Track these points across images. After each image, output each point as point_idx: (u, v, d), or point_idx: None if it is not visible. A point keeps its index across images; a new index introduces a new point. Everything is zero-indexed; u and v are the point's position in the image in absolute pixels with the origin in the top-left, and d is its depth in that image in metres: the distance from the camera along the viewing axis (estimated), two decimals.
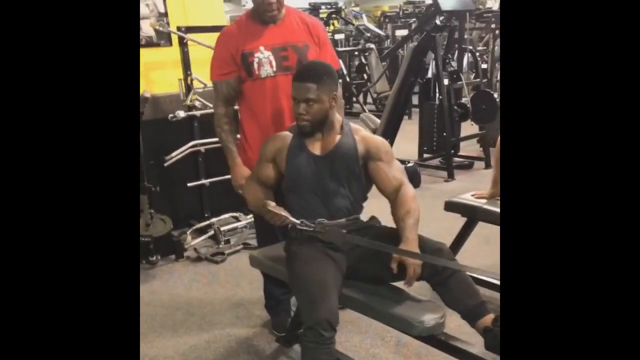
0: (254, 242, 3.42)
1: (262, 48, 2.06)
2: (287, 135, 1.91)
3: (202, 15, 3.83)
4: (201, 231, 3.52)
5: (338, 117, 1.91)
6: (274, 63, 2.06)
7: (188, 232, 3.40)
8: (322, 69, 1.82)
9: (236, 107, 2.27)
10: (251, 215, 3.72)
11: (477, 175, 4.93)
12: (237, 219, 3.70)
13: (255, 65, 2.06)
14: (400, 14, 9.70)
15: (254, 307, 2.62)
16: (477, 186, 4.53)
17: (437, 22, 4.63)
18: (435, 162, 5.10)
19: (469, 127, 5.40)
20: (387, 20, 10.05)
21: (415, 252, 1.67)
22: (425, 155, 5.22)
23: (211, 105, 3.58)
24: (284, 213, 1.77)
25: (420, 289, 2.23)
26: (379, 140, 1.91)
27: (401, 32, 8.66)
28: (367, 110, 7.60)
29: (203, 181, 3.54)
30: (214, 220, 3.57)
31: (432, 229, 1.92)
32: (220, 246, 3.38)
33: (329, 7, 8.59)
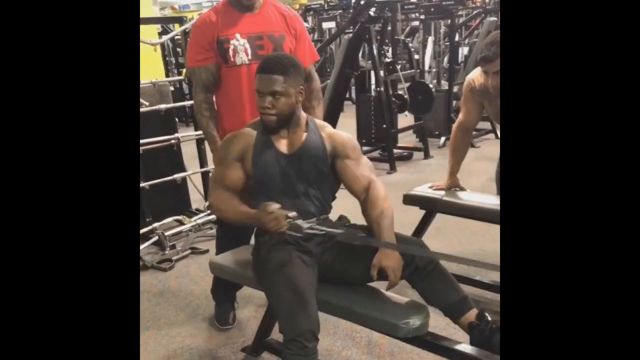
0: (201, 246, 3.28)
1: (238, 35, 2.05)
2: (250, 132, 1.79)
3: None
4: (143, 237, 3.31)
5: (302, 113, 1.82)
6: (249, 51, 2.05)
7: None
8: (288, 61, 1.71)
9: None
10: (195, 218, 3.58)
11: (418, 165, 4.99)
12: (181, 223, 3.53)
13: (231, 52, 2.05)
14: (325, 6, 9.67)
15: (213, 315, 2.48)
16: (420, 177, 4.62)
17: (371, 13, 4.63)
18: (375, 154, 5.11)
19: (404, 118, 5.46)
20: (311, 12, 9.99)
21: (395, 244, 1.64)
22: (365, 148, 5.22)
23: (147, 103, 3.39)
24: (291, 214, 1.62)
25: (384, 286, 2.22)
26: (345, 137, 1.83)
27: (328, 25, 8.65)
28: None
29: (143, 184, 3.33)
30: (156, 225, 3.37)
31: None
32: (167, 252, 3.20)
33: None
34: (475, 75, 2.35)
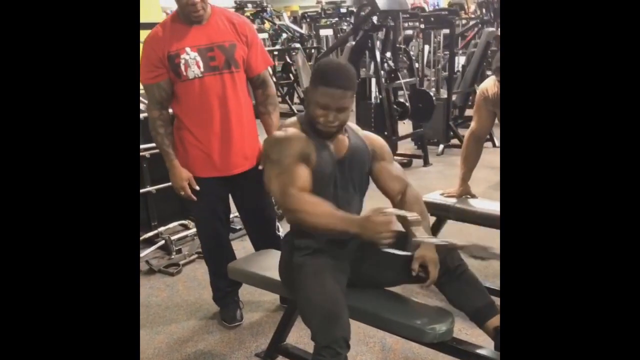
0: None
1: (188, 49, 2.03)
2: (300, 133, 1.69)
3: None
4: (149, 242, 3.30)
5: None
6: (201, 64, 2.04)
7: None
8: (352, 72, 1.68)
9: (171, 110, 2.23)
10: None
11: (417, 173, 5.02)
12: (186, 227, 3.52)
13: (182, 67, 2.04)
14: (322, 13, 9.73)
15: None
16: (420, 184, 4.65)
17: (374, 21, 4.68)
18: None
19: (402, 126, 5.50)
20: (307, 19, 10.04)
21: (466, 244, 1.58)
22: None
23: None
24: (412, 216, 1.55)
25: (410, 292, 2.23)
26: (381, 139, 1.86)
27: (325, 32, 8.70)
28: (295, 110, 7.58)
29: (149, 188, 3.33)
30: (162, 229, 3.37)
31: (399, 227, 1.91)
32: (173, 257, 3.19)
33: (254, 5, 8.44)
34: (489, 85, 2.39)
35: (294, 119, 1.78)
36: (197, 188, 2.20)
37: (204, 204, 2.26)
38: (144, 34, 3.20)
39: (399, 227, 1.60)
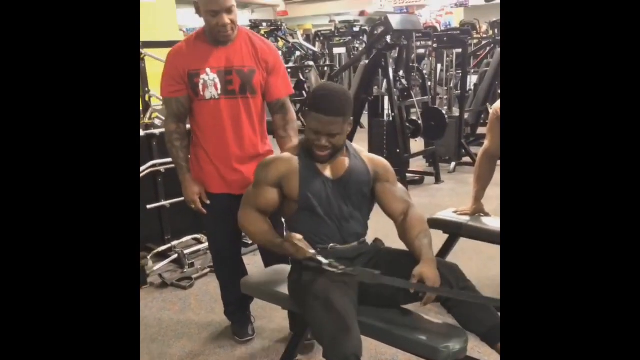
0: None
1: (208, 70, 2.05)
2: (292, 158, 1.82)
3: (157, 29, 3.69)
4: (162, 255, 3.33)
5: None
6: (219, 86, 2.06)
7: (149, 257, 3.21)
8: (345, 98, 1.73)
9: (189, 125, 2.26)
10: None
11: (430, 190, 5.03)
12: (198, 241, 3.55)
13: (200, 87, 2.07)
14: (336, 32, 9.83)
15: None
16: (432, 201, 4.66)
17: (388, 40, 4.73)
18: None
19: (413, 143, 5.52)
20: (321, 38, 10.15)
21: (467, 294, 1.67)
22: None
23: None
24: (311, 251, 1.70)
25: (423, 309, 2.23)
26: (385, 161, 1.89)
27: (338, 50, 8.78)
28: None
29: (163, 202, 3.36)
30: (175, 243, 3.39)
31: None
32: (186, 270, 3.21)
33: (269, 24, 8.55)
34: None
35: (296, 141, 1.88)
36: (208, 202, 2.23)
37: (215, 219, 2.30)
38: (161, 52, 3.29)
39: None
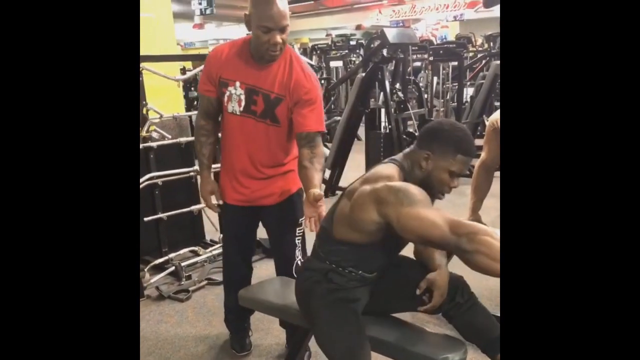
0: (217, 277, 3.28)
1: (238, 84, 2.01)
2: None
3: (155, 44, 3.71)
4: (159, 268, 3.32)
5: None
6: (242, 103, 2.02)
7: (146, 270, 3.20)
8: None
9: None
10: (211, 249, 3.59)
11: None
12: (196, 254, 3.54)
13: (226, 98, 2.05)
14: (332, 46, 9.90)
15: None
16: None
17: (384, 53, 4.76)
18: None
19: None
20: (317, 51, 10.21)
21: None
22: None
23: (169, 136, 3.46)
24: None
25: (421, 321, 2.23)
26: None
27: (335, 64, 8.84)
28: None
29: (160, 215, 3.36)
30: (172, 255, 3.39)
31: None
32: (183, 283, 3.20)
33: None
34: (498, 117, 2.43)
35: (320, 175, 1.86)
36: (221, 202, 2.25)
37: (227, 227, 2.33)
38: (156, 66, 3.31)
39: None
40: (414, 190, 1.48)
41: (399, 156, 1.70)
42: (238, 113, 2.03)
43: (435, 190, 1.63)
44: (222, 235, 2.51)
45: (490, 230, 1.41)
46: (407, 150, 1.71)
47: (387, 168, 1.63)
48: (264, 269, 3.18)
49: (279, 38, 1.88)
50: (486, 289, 3.00)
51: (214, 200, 2.27)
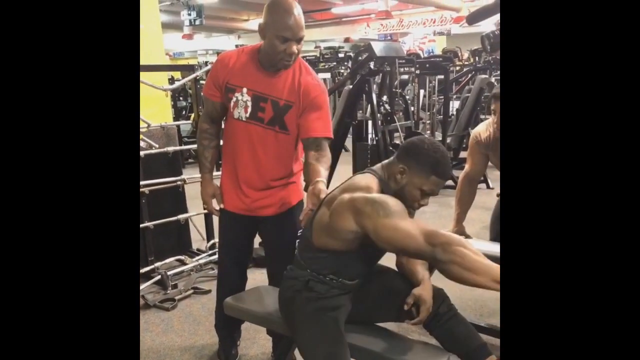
0: (203, 286, 3.28)
1: (245, 90, 2.01)
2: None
3: (144, 54, 3.71)
4: (145, 276, 3.31)
5: None
6: (249, 109, 2.01)
7: None
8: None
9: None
10: (197, 258, 3.59)
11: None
12: (182, 262, 3.54)
13: (232, 104, 2.04)
14: (321, 58, 9.98)
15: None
16: None
17: (372, 66, 4.81)
18: None
19: None
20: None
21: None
22: None
23: (157, 145, 3.47)
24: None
25: (406, 331, 2.25)
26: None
27: (323, 75, 8.89)
28: None
29: (147, 224, 3.36)
30: (158, 264, 3.38)
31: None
32: (169, 292, 3.20)
33: None
34: (481, 129, 2.48)
35: (325, 174, 1.86)
36: (222, 206, 2.23)
37: (225, 234, 2.31)
38: (145, 76, 3.32)
39: None
40: (391, 201, 1.52)
41: (377, 167, 1.73)
42: (244, 119, 2.03)
43: (407, 204, 1.64)
44: (217, 241, 2.48)
45: (465, 240, 1.46)
46: (386, 161, 1.74)
47: (365, 178, 1.66)
48: (252, 278, 3.18)
49: (295, 48, 1.89)
50: (471, 299, 3.03)
51: (215, 204, 2.26)
